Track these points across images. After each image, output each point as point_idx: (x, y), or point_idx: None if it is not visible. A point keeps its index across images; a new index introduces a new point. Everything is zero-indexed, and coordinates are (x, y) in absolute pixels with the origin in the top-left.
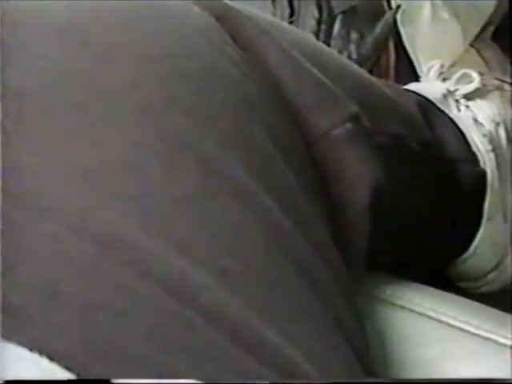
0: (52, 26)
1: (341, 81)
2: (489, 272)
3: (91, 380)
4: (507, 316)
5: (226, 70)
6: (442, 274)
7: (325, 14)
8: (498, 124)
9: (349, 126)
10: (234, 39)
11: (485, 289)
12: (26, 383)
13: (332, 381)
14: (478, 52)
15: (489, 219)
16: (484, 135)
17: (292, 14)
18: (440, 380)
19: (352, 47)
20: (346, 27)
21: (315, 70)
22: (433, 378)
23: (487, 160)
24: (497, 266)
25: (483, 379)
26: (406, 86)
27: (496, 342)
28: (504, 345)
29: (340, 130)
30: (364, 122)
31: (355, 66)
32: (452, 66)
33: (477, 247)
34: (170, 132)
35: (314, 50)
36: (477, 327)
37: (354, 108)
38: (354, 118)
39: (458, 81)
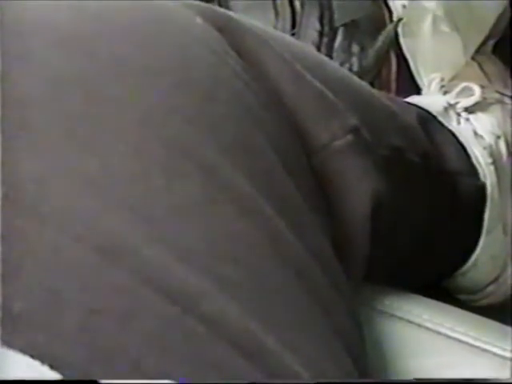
0: (55, 35)
1: (342, 93)
2: (488, 285)
3: (79, 380)
4: (507, 328)
5: (228, 80)
6: (442, 286)
7: (326, 27)
8: (498, 137)
9: (349, 137)
10: (236, 50)
11: (484, 302)
12: (11, 383)
13: (331, 380)
14: (479, 65)
15: (488, 232)
16: (484, 148)
17: (294, 26)
18: (439, 380)
19: (354, 60)
20: (348, 40)
21: (316, 82)
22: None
23: (487, 173)
24: (496, 279)
25: (481, 379)
26: (407, 99)
27: (495, 354)
28: (503, 357)
29: (341, 142)
30: (364, 135)
31: (356, 79)
32: (453, 79)
33: (476, 260)
34: (171, 140)
35: (316, 61)
36: (475, 339)
37: (354, 120)
38: (355, 130)
39: (459, 94)
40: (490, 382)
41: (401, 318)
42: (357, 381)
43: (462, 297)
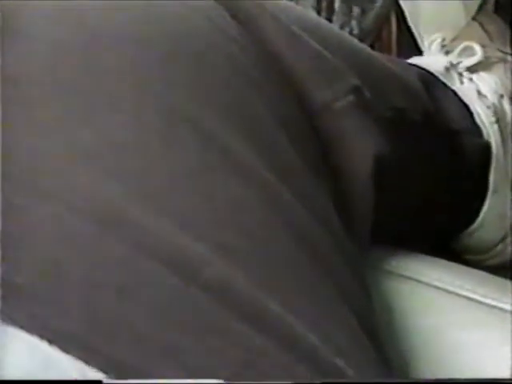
0: (50, 10)
1: (341, 54)
2: (496, 245)
3: (84, 381)
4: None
5: (225, 46)
6: (449, 247)
7: None
8: (501, 96)
9: (351, 98)
10: (233, 16)
11: (492, 262)
12: (15, 383)
13: (333, 381)
14: (480, 25)
15: (494, 191)
16: (488, 107)
17: None
18: (441, 380)
19: (353, 23)
20: (348, 2)
21: (314, 43)
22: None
23: (491, 132)
24: (503, 239)
25: (483, 379)
26: (408, 60)
27: (502, 310)
28: (510, 312)
29: (342, 103)
30: (366, 95)
31: (356, 41)
32: (454, 39)
33: (483, 219)
34: (168, 108)
35: (314, 24)
36: (483, 296)
37: (355, 80)
38: (356, 91)
39: (461, 54)
40: (491, 381)
41: (409, 278)
42: (358, 381)
43: (470, 257)
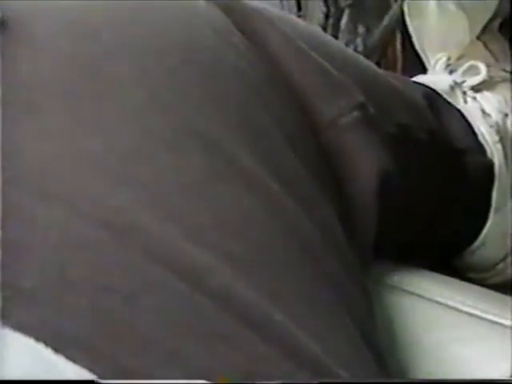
0: (62, 19)
1: (347, 71)
2: (497, 263)
3: (77, 381)
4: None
5: (232, 59)
6: (451, 265)
7: (332, 8)
8: (505, 115)
9: (356, 114)
10: (241, 30)
11: (493, 280)
12: (15, 383)
13: (331, 381)
14: (485, 44)
15: (497, 210)
16: (491, 126)
17: (300, 8)
18: (441, 380)
19: (359, 40)
20: (354, 20)
21: (321, 59)
22: (440, 364)
23: (494, 151)
24: (505, 258)
25: (483, 380)
26: (413, 79)
27: (502, 326)
28: (510, 327)
29: (347, 119)
30: (371, 111)
31: (361, 58)
32: (459, 58)
33: (485, 237)
34: (177, 119)
35: (320, 40)
36: (484, 311)
37: (360, 97)
38: (361, 107)
39: (465, 73)
40: (491, 382)
41: (411, 293)
42: (356, 381)
43: (472, 275)
